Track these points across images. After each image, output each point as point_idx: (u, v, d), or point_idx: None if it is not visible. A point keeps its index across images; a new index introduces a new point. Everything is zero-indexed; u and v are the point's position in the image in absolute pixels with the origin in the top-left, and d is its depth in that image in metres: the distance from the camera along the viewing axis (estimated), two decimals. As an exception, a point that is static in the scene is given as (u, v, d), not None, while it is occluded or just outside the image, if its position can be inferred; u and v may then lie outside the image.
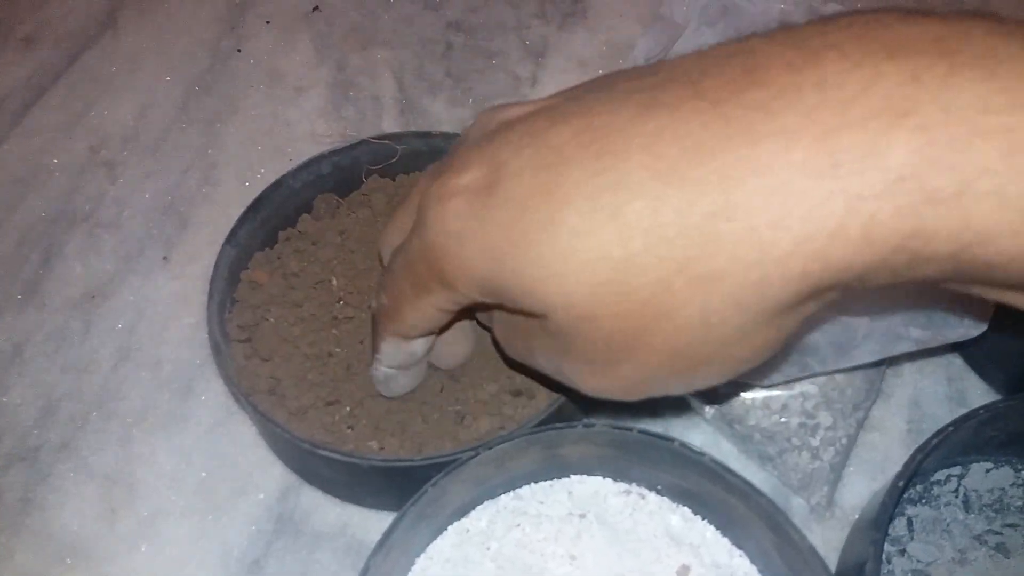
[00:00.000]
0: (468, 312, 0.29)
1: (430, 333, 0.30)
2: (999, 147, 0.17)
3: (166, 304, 0.42)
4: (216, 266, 0.36)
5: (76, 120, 0.50)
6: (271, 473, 0.37)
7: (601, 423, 0.31)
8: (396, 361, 0.31)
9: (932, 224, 0.18)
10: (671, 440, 0.30)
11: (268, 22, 0.55)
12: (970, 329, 0.32)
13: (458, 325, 0.32)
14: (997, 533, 0.34)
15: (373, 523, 0.36)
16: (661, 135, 0.20)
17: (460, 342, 0.33)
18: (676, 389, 0.24)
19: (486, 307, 0.27)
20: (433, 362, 0.34)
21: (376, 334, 0.31)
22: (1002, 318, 0.32)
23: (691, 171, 0.20)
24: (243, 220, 0.38)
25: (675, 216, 0.20)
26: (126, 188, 0.47)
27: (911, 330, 0.31)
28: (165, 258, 0.44)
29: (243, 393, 0.33)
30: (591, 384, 0.25)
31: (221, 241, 0.37)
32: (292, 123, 0.50)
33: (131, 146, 0.49)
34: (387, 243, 0.30)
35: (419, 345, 0.31)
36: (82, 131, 0.49)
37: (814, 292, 0.20)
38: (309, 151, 0.45)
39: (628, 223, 0.20)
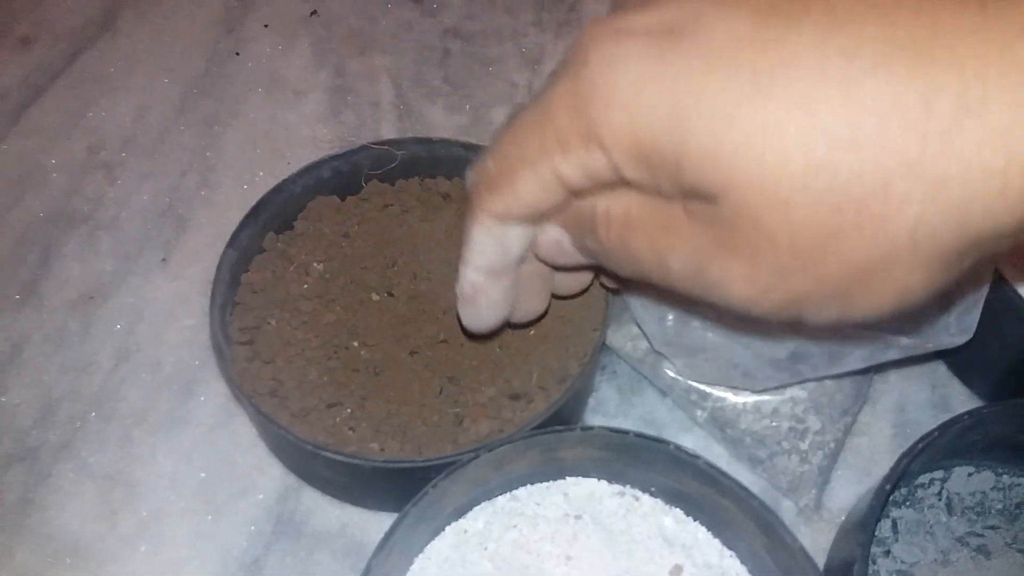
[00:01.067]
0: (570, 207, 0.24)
1: (533, 219, 0.25)
2: None
3: (165, 305, 0.43)
4: (219, 269, 0.37)
5: (74, 121, 0.50)
6: (270, 474, 0.37)
7: (598, 426, 0.32)
8: (487, 258, 0.26)
9: None
10: (666, 443, 0.31)
11: (266, 25, 0.55)
12: (955, 337, 0.33)
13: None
14: (978, 535, 0.35)
15: (372, 524, 0.36)
16: (901, 5, 0.18)
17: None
18: (826, 315, 0.21)
19: (611, 188, 0.23)
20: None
21: (469, 218, 0.26)
22: (985, 327, 0.33)
23: (939, 52, 0.17)
24: (245, 223, 0.38)
25: (918, 101, 0.17)
26: (125, 189, 0.47)
27: (899, 338, 0.32)
28: (164, 260, 0.44)
29: (246, 395, 0.33)
30: (739, 292, 0.21)
31: (220, 243, 0.38)
32: (290, 127, 0.50)
33: (129, 147, 0.49)
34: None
35: (515, 238, 0.26)
36: (80, 132, 0.50)
37: None
38: (307, 155, 0.46)
39: (862, 99, 0.17)
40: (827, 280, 0.20)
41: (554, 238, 0.26)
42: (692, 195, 0.20)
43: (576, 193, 0.23)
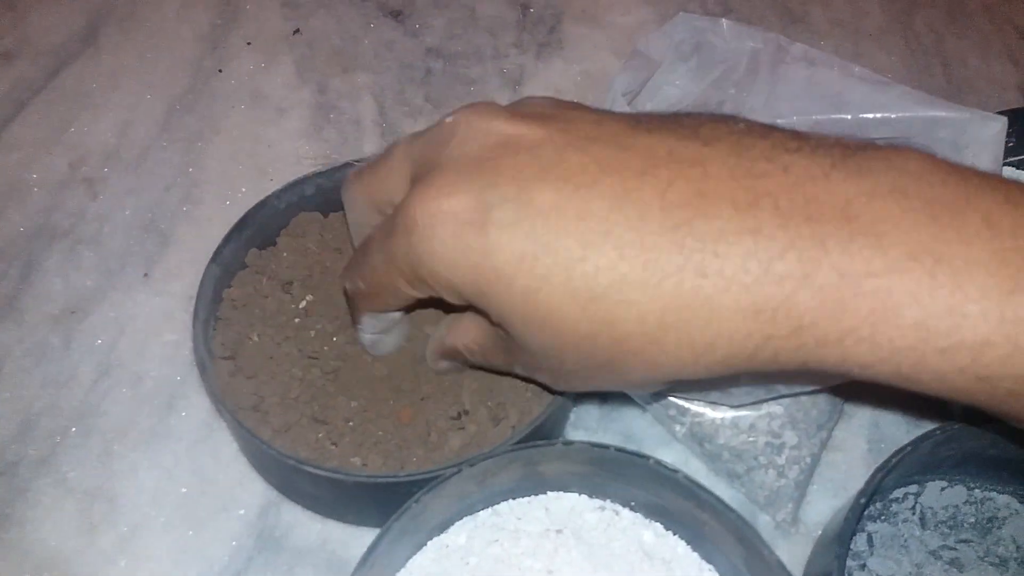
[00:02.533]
0: None
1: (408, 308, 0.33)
2: (874, 304, 0.23)
3: (147, 320, 0.43)
4: (202, 284, 0.37)
5: (56, 136, 0.50)
6: (252, 489, 0.37)
7: (579, 441, 0.32)
8: (377, 328, 0.35)
9: (821, 357, 0.24)
10: (646, 458, 0.32)
11: (249, 43, 0.56)
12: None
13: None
14: (951, 549, 0.36)
15: (353, 539, 0.36)
16: (627, 236, 0.24)
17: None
18: (606, 388, 0.31)
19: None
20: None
21: (354, 309, 0.34)
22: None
23: (652, 279, 0.24)
24: (228, 239, 0.38)
25: (635, 314, 0.25)
26: (107, 204, 0.47)
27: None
28: (146, 275, 0.44)
29: (228, 410, 0.33)
30: (555, 386, 0.31)
31: (202, 259, 0.38)
32: (273, 144, 0.50)
33: (112, 163, 0.49)
34: (359, 207, 0.33)
35: (393, 315, 0.34)
36: (62, 147, 0.50)
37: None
38: (290, 171, 0.46)
39: (600, 306, 0.25)
40: (596, 383, 0.29)
41: (447, 364, 0.36)
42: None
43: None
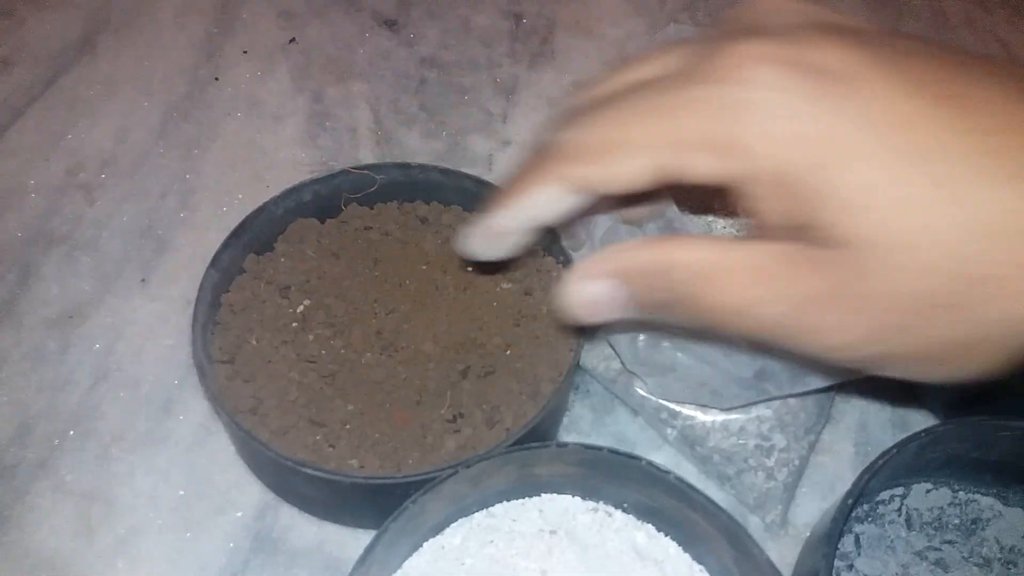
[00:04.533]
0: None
1: (598, 196, 0.24)
2: None
3: (144, 325, 0.43)
4: (200, 288, 0.37)
5: (53, 142, 0.50)
6: (248, 492, 0.38)
7: (573, 443, 0.33)
8: (537, 218, 0.25)
9: None
10: (639, 459, 0.32)
11: (245, 52, 0.56)
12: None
13: None
14: (936, 549, 0.36)
15: (349, 541, 0.37)
16: (1005, 112, 0.19)
17: None
18: (898, 372, 0.23)
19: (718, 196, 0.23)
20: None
21: (533, 174, 0.24)
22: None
23: None
24: (226, 244, 0.39)
25: None
26: (104, 210, 0.48)
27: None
28: (143, 280, 0.45)
29: (227, 412, 0.34)
30: (831, 340, 0.22)
31: (198, 264, 0.38)
32: (269, 151, 0.51)
33: (109, 169, 0.49)
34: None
35: (570, 205, 0.25)
36: (59, 153, 0.50)
37: None
38: (286, 178, 0.47)
39: (1003, 199, 0.19)
40: (927, 345, 0.21)
41: (604, 293, 0.25)
42: (810, 235, 0.21)
43: (662, 184, 0.23)
